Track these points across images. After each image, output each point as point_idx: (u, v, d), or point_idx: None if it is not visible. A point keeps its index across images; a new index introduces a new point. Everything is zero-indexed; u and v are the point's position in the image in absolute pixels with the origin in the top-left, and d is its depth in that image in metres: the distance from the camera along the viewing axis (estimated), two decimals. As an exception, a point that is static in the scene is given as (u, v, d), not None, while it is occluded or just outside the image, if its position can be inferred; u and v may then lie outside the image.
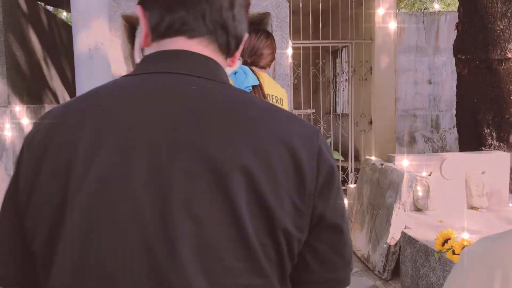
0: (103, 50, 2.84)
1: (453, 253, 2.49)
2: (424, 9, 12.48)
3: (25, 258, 0.71)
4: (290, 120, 0.71)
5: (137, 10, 0.77)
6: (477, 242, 0.85)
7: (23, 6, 4.09)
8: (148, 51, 0.75)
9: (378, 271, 3.55)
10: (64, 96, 5.17)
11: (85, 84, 2.85)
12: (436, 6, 12.89)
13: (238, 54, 0.80)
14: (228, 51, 0.77)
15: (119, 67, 2.98)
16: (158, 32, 0.74)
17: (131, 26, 3.17)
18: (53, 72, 4.84)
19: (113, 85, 0.73)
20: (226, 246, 0.63)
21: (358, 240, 4.02)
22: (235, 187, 0.63)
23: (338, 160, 5.48)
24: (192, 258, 0.62)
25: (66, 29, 5.47)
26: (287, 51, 3.07)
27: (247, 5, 0.79)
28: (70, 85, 5.44)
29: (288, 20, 3.09)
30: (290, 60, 3.20)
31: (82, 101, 0.71)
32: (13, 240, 0.72)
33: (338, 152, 5.67)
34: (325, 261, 0.72)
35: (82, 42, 2.80)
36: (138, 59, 0.78)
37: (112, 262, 0.63)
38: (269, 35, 2.34)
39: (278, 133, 0.67)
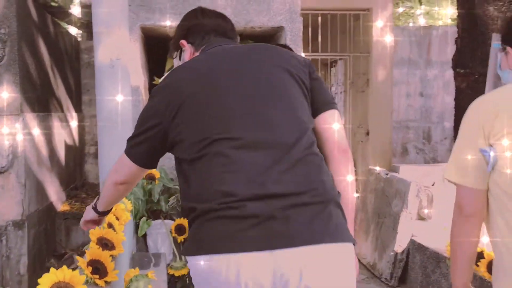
0: (124, 60, 2.90)
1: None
2: (410, 24, 12.72)
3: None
4: (289, 52, 1.48)
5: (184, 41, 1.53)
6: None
7: (34, 16, 4.13)
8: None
9: (385, 278, 3.64)
10: (68, 105, 5.20)
11: (106, 93, 2.90)
12: (422, 21, 13.17)
13: None
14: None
15: (138, 77, 3.05)
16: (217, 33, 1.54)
17: (146, 37, 3.24)
18: (59, 81, 4.88)
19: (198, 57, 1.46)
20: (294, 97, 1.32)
21: (363, 248, 4.11)
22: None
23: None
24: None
25: (70, 39, 5.52)
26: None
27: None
28: (73, 94, 5.47)
29: (301, 34, 3.20)
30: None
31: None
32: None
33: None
34: (322, 91, 1.38)
35: (104, 53, 2.86)
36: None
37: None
38: (290, 50, 2.43)
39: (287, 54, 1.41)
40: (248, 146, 1.20)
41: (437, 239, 3.22)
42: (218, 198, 1.16)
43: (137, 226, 2.93)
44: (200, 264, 1.16)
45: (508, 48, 1.42)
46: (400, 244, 3.54)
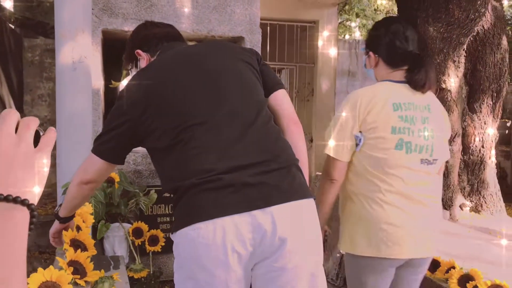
0: (85, 63, 2.91)
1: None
2: (347, 36, 13.24)
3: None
4: (238, 45, 1.76)
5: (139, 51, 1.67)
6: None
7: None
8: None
9: (332, 279, 3.85)
10: (10, 103, 5.03)
11: (67, 94, 2.89)
12: (357, 34, 13.77)
13: None
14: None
15: (98, 79, 3.06)
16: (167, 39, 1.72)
17: (107, 41, 3.25)
18: (3, 80, 4.72)
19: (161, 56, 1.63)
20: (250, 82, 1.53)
21: (310, 250, 4.30)
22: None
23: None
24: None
25: (14, 36, 5.34)
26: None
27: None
28: (15, 92, 5.29)
29: (260, 45, 3.34)
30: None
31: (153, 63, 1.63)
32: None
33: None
34: (270, 74, 1.59)
35: (66, 55, 2.85)
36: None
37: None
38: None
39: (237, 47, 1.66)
40: (216, 127, 1.39)
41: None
42: (198, 175, 1.32)
43: (94, 229, 2.93)
44: (189, 234, 1.30)
45: (370, 52, 1.85)
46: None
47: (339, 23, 12.98)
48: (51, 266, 1.47)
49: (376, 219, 1.74)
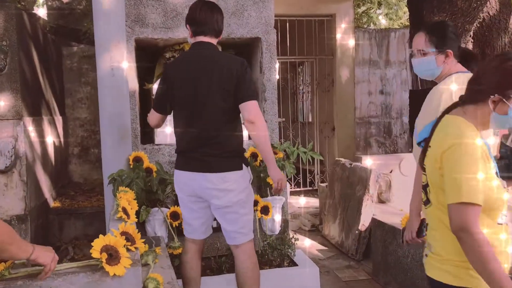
0: (122, 69, 3.33)
1: (416, 230, 3.13)
2: (368, 26, 13.33)
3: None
4: (233, 58, 2.61)
5: (187, 26, 2.63)
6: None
7: (28, 27, 4.48)
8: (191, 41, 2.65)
9: (352, 254, 4.19)
10: (55, 109, 5.53)
11: (108, 98, 3.31)
12: (383, 22, 13.85)
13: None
14: (217, 37, 2.65)
15: (134, 83, 3.47)
16: (194, 34, 2.62)
17: (139, 48, 3.66)
18: (48, 86, 5.21)
19: (185, 53, 2.99)
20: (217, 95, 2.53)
21: (332, 230, 4.65)
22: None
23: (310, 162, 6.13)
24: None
25: (55, 45, 5.84)
26: (275, 69, 3.67)
27: (222, 17, 2.64)
28: (58, 97, 5.80)
29: (275, 44, 3.68)
30: (278, 76, 3.80)
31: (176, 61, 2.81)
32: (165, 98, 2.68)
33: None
34: (244, 87, 2.48)
35: (105, 63, 3.27)
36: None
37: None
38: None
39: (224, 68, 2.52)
40: (190, 124, 2.53)
41: (395, 217, 3.78)
42: (178, 148, 2.67)
43: (137, 214, 3.35)
44: (176, 171, 2.67)
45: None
46: (363, 224, 4.09)
47: (362, 12, 13.11)
48: (108, 234, 1.88)
49: None
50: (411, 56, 2.35)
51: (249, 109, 2.45)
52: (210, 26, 2.56)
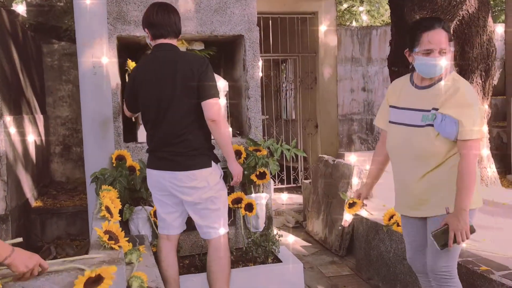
0: (104, 67, 3.30)
1: (397, 225, 3.18)
2: (350, 23, 13.40)
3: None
4: (194, 57, 2.69)
5: (145, 30, 2.66)
6: None
7: (7, 23, 4.41)
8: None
9: (335, 250, 4.23)
10: (35, 107, 5.45)
11: (90, 96, 3.28)
12: (364, 18, 13.94)
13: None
14: (177, 37, 2.68)
15: (116, 81, 3.45)
16: (154, 37, 2.65)
17: (121, 45, 3.63)
18: (28, 84, 5.14)
19: (147, 56, 2.79)
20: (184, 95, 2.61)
21: (316, 226, 4.68)
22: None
23: (293, 159, 6.15)
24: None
25: (34, 43, 5.76)
26: (258, 67, 3.68)
27: (179, 17, 2.67)
28: (39, 95, 5.72)
29: (258, 41, 3.69)
30: (261, 74, 3.81)
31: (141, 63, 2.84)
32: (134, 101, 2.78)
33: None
34: (205, 86, 2.55)
35: (87, 60, 3.24)
36: None
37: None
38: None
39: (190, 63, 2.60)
40: (157, 125, 2.61)
41: (377, 212, 3.82)
42: (149, 148, 2.73)
43: (120, 212, 3.34)
44: (147, 170, 2.75)
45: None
46: (346, 220, 4.12)
47: (344, 10, 13.17)
48: (106, 221, 1.88)
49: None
50: (425, 53, 2.13)
51: (210, 107, 2.52)
52: (169, 28, 2.60)
